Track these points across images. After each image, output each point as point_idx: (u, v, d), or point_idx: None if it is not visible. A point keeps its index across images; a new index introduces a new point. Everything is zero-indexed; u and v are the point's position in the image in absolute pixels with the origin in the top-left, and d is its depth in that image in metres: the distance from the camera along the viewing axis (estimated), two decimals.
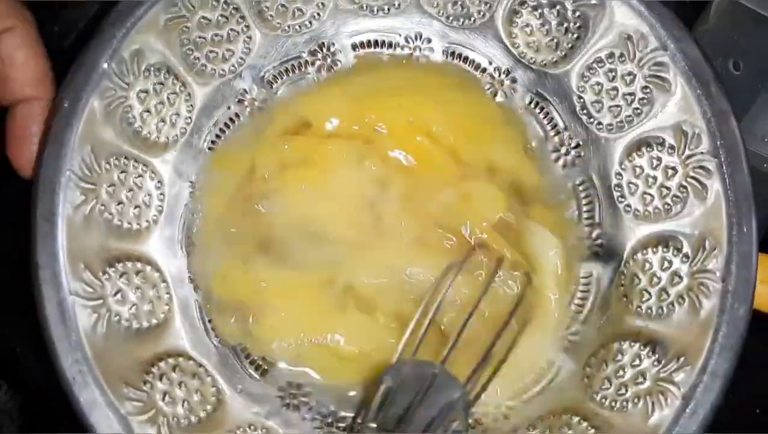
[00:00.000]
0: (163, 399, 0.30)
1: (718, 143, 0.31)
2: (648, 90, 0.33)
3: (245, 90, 0.36)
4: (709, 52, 0.33)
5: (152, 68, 0.32)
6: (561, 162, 0.36)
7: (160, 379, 0.30)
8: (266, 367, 0.34)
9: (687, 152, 0.32)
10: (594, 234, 0.35)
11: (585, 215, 0.36)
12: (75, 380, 0.28)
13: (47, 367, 0.33)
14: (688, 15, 0.34)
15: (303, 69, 0.37)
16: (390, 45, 0.37)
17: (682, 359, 0.31)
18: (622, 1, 0.33)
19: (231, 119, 0.36)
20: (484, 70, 0.37)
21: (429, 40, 0.37)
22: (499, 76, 0.37)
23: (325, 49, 0.37)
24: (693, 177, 0.32)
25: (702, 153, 0.32)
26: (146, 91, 0.32)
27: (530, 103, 0.37)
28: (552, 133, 0.36)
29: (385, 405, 0.29)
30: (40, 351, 0.35)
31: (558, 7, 0.34)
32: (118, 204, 0.32)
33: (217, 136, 0.35)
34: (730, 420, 0.31)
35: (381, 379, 0.29)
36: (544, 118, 0.36)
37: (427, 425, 0.29)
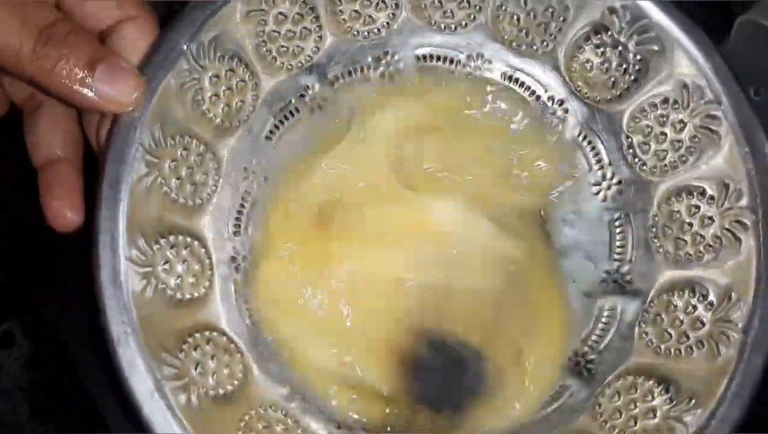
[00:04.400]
0: (196, 369, 0.31)
1: (758, 200, 0.33)
2: (696, 140, 0.34)
3: (308, 86, 0.37)
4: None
5: (226, 55, 0.34)
6: (601, 196, 0.37)
7: (195, 350, 0.32)
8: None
9: (726, 205, 0.33)
10: (623, 269, 0.37)
11: (617, 250, 0.37)
12: (119, 340, 0.30)
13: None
14: (710, 37, 0.35)
15: (365, 73, 0.38)
16: (451, 61, 0.38)
17: (693, 401, 0.32)
18: (684, 52, 0.34)
19: (291, 112, 0.37)
20: (538, 98, 0.38)
21: (489, 61, 0.38)
22: (553, 105, 0.38)
23: (389, 57, 0.38)
24: (728, 229, 0.33)
25: (741, 208, 0.33)
26: (218, 76, 0.34)
27: (579, 135, 0.38)
28: (596, 167, 0.37)
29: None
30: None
31: (620, 48, 0.35)
32: (177, 179, 0.33)
33: (276, 127, 0.37)
34: None
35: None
36: (590, 151, 0.38)
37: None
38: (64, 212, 0.33)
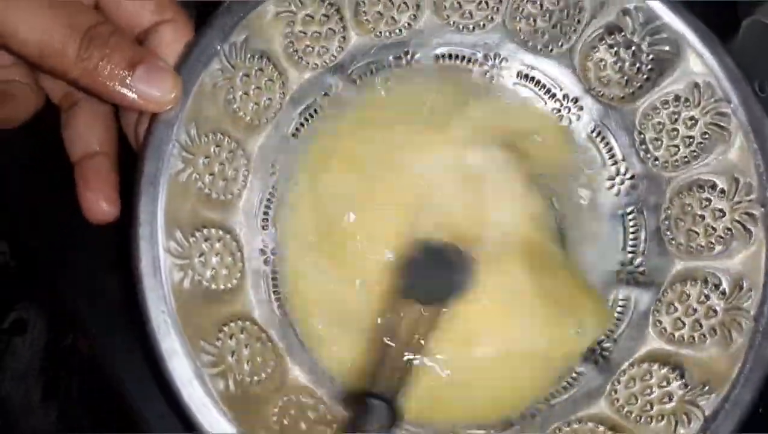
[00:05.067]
0: (232, 357, 0.33)
1: (767, 193, 0.34)
2: (707, 136, 0.36)
3: (332, 85, 0.38)
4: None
5: (256, 55, 0.35)
6: (614, 190, 0.39)
7: (230, 338, 0.33)
8: None
9: (736, 198, 0.35)
10: (636, 262, 0.38)
11: (630, 243, 0.38)
12: (160, 329, 0.31)
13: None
14: (718, 35, 0.36)
15: (387, 70, 0.39)
16: (469, 60, 0.40)
17: (707, 386, 0.33)
18: (695, 52, 0.35)
19: (315, 111, 0.38)
20: (553, 96, 0.40)
21: (506, 60, 0.40)
22: (567, 103, 0.39)
23: (409, 56, 0.39)
24: (738, 221, 0.35)
25: (750, 201, 0.34)
26: (248, 75, 0.35)
27: (592, 131, 0.39)
28: (610, 162, 0.39)
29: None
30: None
31: (633, 48, 0.37)
32: (210, 175, 0.34)
33: (301, 124, 0.38)
34: None
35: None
36: (604, 147, 0.39)
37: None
38: (99, 203, 0.34)
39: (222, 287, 0.34)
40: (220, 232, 0.35)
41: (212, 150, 0.34)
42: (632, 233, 0.38)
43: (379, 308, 0.36)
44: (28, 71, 0.35)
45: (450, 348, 0.36)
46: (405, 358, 0.35)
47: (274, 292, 0.36)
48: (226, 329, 0.33)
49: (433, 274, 0.36)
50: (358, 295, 0.37)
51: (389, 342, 0.35)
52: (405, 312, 0.35)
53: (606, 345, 0.37)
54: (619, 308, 0.38)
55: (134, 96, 0.31)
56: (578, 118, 0.39)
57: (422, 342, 0.35)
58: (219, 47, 0.34)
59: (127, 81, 0.31)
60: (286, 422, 0.33)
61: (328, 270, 0.36)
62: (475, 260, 0.36)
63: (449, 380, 0.36)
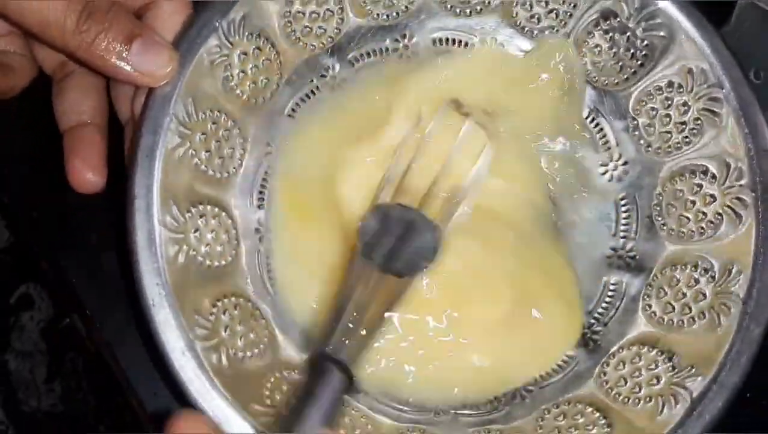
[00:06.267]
0: (225, 331, 0.33)
1: (758, 179, 0.34)
2: (699, 122, 0.36)
3: (329, 67, 0.39)
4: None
5: (254, 33, 0.35)
6: (607, 176, 0.39)
7: (224, 313, 0.33)
8: None
9: (727, 183, 0.35)
10: (628, 246, 0.38)
11: (622, 228, 0.39)
12: (154, 301, 0.31)
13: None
14: (712, 20, 0.36)
15: (384, 55, 0.40)
16: (466, 45, 0.40)
17: (695, 368, 0.34)
18: (689, 39, 0.36)
19: (312, 92, 0.39)
20: None
21: (502, 45, 0.40)
22: None
23: (406, 40, 0.40)
24: (729, 206, 0.35)
25: (741, 186, 0.35)
26: (246, 54, 0.35)
27: (587, 117, 0.40)
28: (603, 147, 0.39)
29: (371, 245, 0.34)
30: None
31: (628, 33, 0.37)
32: (206, 152, 0.35)
33: (297, 105, 0.38)
34: None
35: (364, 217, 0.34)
36: (597, 132, 0.39)
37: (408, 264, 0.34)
38: (86, 173, 0.34)
39: (217, 263, 0.34)
40: (216, 209, 0.35)
41: (209, 127, 0.35)
42: (624, 218, 0.39)
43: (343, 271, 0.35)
44: (23, 42, 0.36)
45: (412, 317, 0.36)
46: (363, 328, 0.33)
47: (268, 270, 0.37)
48: (219, 304, 0.33)
49: (401, 242, 0.35)
50: None
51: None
52: (370, 279, 0.33)
53: (597, 328, 0.38)
54: (610, 293, 0.38)
55: (130, 69, 0.31)
56: None
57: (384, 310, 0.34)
58: (218, 23, 0.34)
59: (124, 55, 0.31)
60: (278, 397, 0.33)
61: (318, 245, 0.36)
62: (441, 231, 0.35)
63: (409, 350, 0.36)
